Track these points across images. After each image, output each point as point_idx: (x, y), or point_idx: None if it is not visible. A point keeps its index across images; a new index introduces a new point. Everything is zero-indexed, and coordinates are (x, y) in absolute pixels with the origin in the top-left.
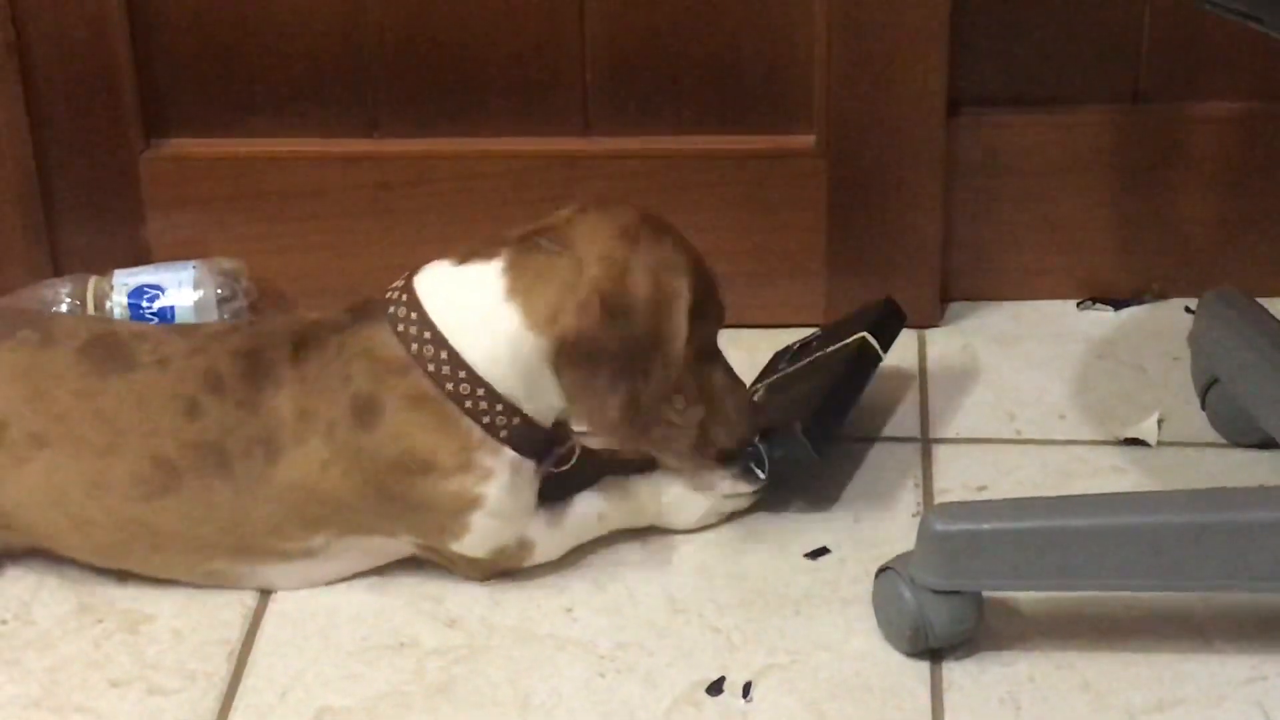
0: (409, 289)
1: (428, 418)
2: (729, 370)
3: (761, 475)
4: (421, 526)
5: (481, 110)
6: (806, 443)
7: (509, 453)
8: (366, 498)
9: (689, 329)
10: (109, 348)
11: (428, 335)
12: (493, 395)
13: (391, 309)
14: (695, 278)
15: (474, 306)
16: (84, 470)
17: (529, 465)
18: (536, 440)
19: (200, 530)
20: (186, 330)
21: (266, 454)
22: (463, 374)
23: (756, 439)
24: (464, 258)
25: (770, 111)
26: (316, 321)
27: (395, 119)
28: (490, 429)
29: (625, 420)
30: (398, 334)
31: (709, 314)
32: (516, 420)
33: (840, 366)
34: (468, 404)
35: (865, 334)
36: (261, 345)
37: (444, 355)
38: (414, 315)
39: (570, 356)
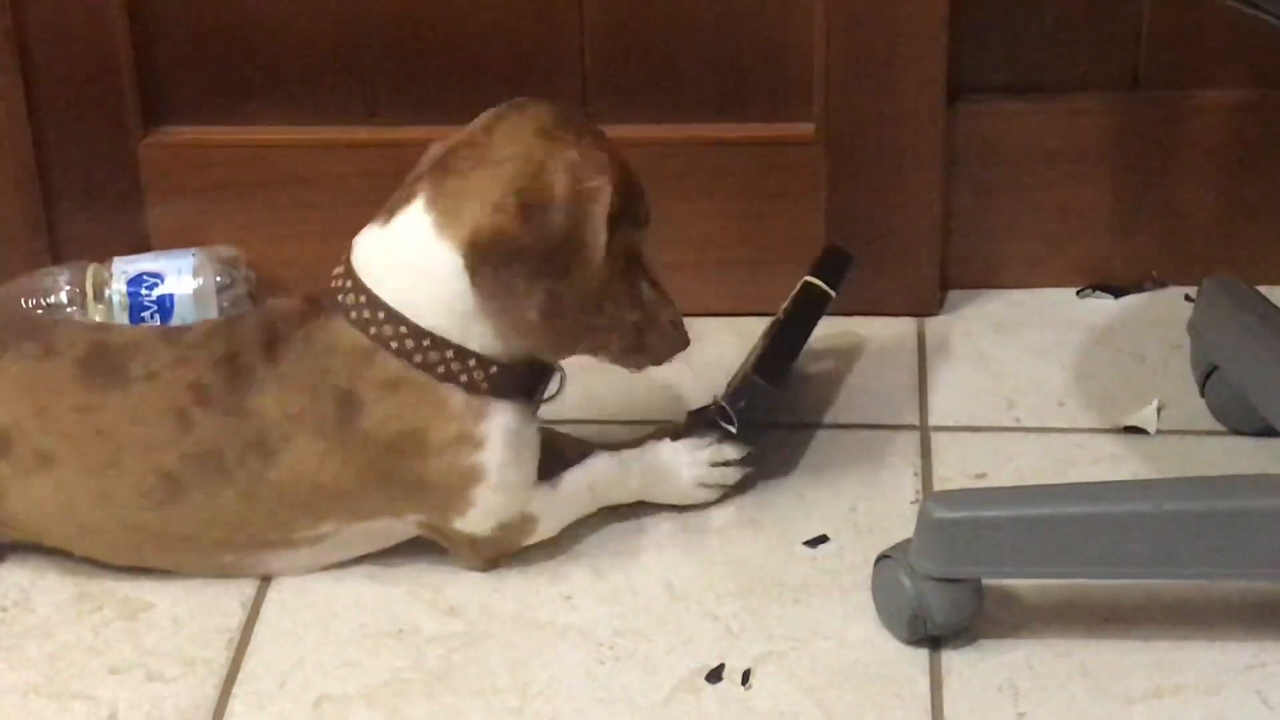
0: (350, 273)
1: (408, 398)
2: (659, 282)
3: (732, 429)
4: (426, 504)
5: (480, 97)
6: (764, 383)
7: (499, 417)
8: (368, 483)
9: (613, 231)
10: (105, 360)
11: (381, 315)
12: (462, 353)
13: (339, 297)
14: (619, 179)
15: (411, 263)
16: (90, 485)
17: (527, 429)
18: (520, 381)
19: (209, 532)
20: (173, 337)
21: (261, 456)
22: (426, 342)
23: (719, 398)
24: (388, 213)
25: (770, 100)
26: (279, 316)
27: (394, 105)
28: (470, 387)
29: (546, 323)
30: (352, 321)
31: (635, 218)
32: (494, 369)
33: (786, 314)
34: (439, 369)
35: (807, 277)
36: (237, 349)
37: (402, 329)
38: (362, 299)
39: (483, 256)
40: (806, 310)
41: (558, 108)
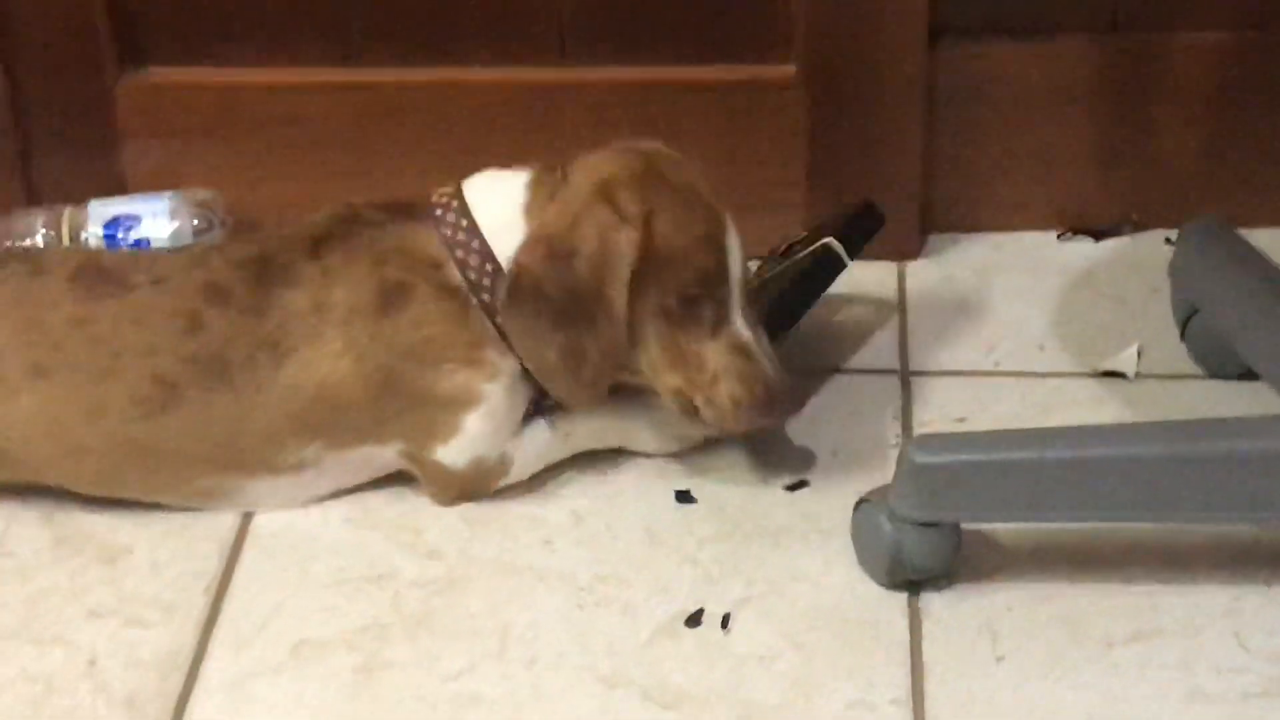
0: (459, 194)
1: (451, 311)
2: (742, 353)
3: None
4: (414, 427)
5: (459, 39)
6: None
7: (513, 361)
8: (370, 391)
9: (642, 291)
10: (100, 273)
11: (475, 244)
12: None
13: (439, 212)
14: (657, 241)
15: (505, 215)
16: (81, 397)
17: (526, 384)
18: None
19: (196, 446)
20: (179, 249)
21: (272, 358)
22: (490, 266)
23: None
24: (507, 164)
25: (750, 41)
26: (337, 217)
27: (372, 48)
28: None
29: (565, 367)
30: (443, 236)
31: (680, 279)
32: None
33: (796, 272)
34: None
35: (830, 239)
36: (272, 251)
37: (489, 268)
38: (464, 221)
39: (516, 290)
40: (817, 279)
41: (647, 161)
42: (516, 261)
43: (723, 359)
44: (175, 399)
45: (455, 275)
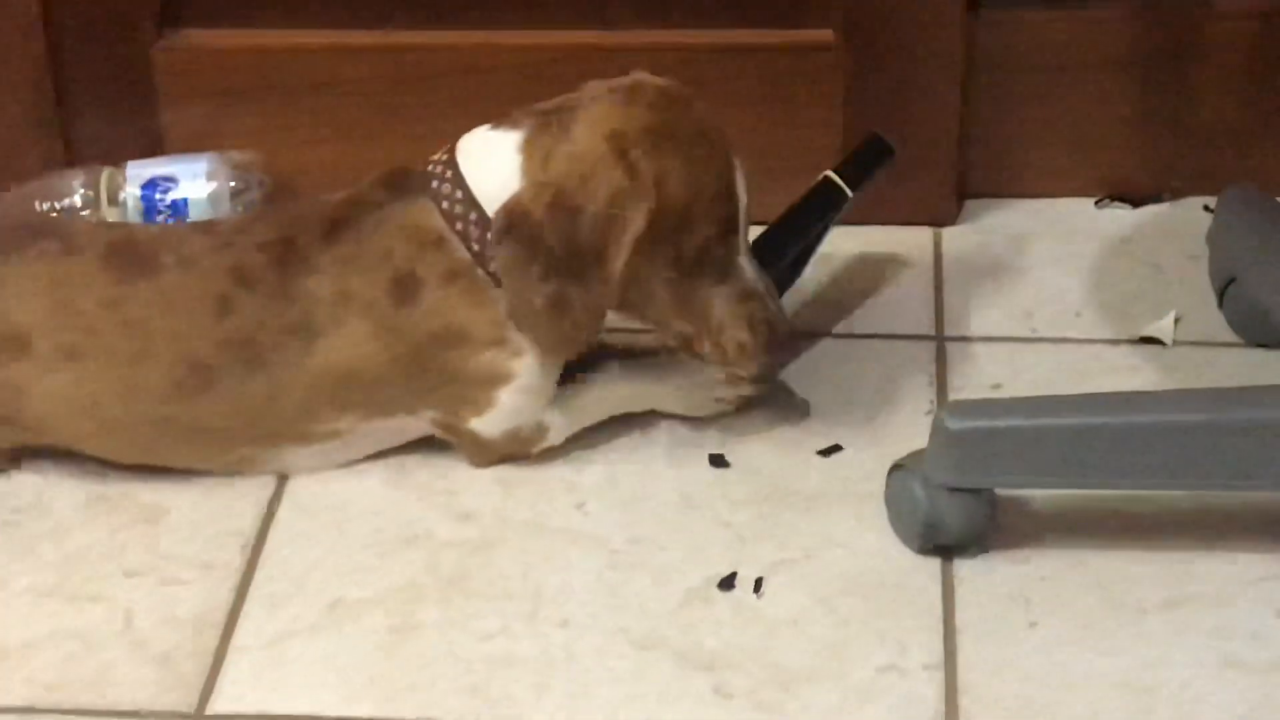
0: (453, 164)
1: (465, 291)
2: (749, 296)
3: None
4: (449, 400)
5: (496, 2)
6: None
7: None
8: (402, 371)
9: (651, 250)
10: (131, 252)
11: (473, 216)
12: None
13: (435, 184)
14: (668, 204)
15: (501, 177)
16: (115, 379)
17: None
18: None
19: (230, 422)
20: (205, 227)
21: (301, 341)
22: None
23: None
24: (498, 123)
25: (789, 5)
26: (348, 200)
27: (409, 10)
28: None
29: (550, 314)
30: (442, 211)
31: (692, 237)
32: None
33: (794, 206)
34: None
35: (829, 172)
36: (291, 233)
37: (489, 237)
38: (459, 194)
39: (509, 229)
40: (815, 213)
41: (655, 110)
42: (516, 201)
43: (730, 305)
44: (208, 380)
45: (460, 250)
